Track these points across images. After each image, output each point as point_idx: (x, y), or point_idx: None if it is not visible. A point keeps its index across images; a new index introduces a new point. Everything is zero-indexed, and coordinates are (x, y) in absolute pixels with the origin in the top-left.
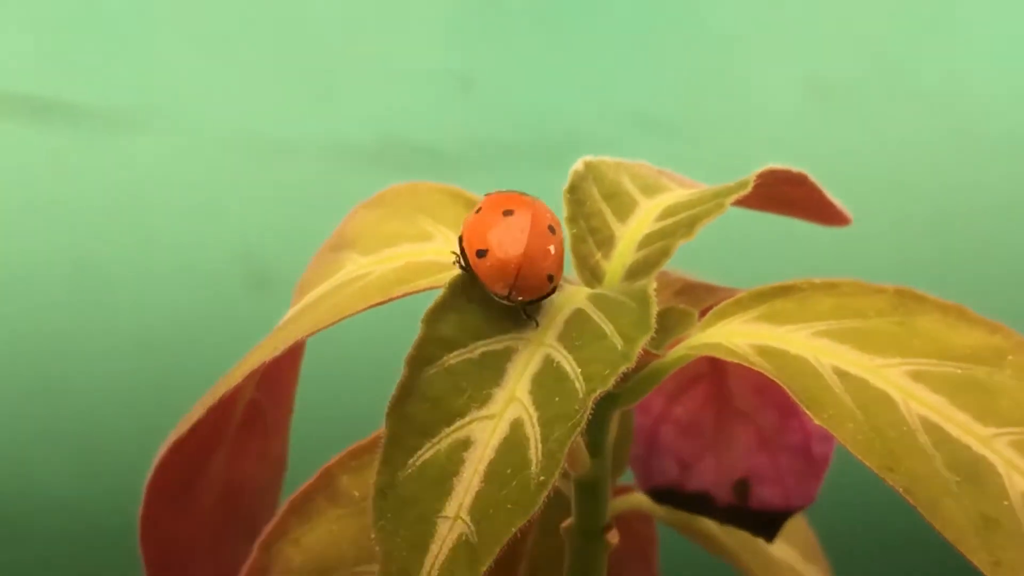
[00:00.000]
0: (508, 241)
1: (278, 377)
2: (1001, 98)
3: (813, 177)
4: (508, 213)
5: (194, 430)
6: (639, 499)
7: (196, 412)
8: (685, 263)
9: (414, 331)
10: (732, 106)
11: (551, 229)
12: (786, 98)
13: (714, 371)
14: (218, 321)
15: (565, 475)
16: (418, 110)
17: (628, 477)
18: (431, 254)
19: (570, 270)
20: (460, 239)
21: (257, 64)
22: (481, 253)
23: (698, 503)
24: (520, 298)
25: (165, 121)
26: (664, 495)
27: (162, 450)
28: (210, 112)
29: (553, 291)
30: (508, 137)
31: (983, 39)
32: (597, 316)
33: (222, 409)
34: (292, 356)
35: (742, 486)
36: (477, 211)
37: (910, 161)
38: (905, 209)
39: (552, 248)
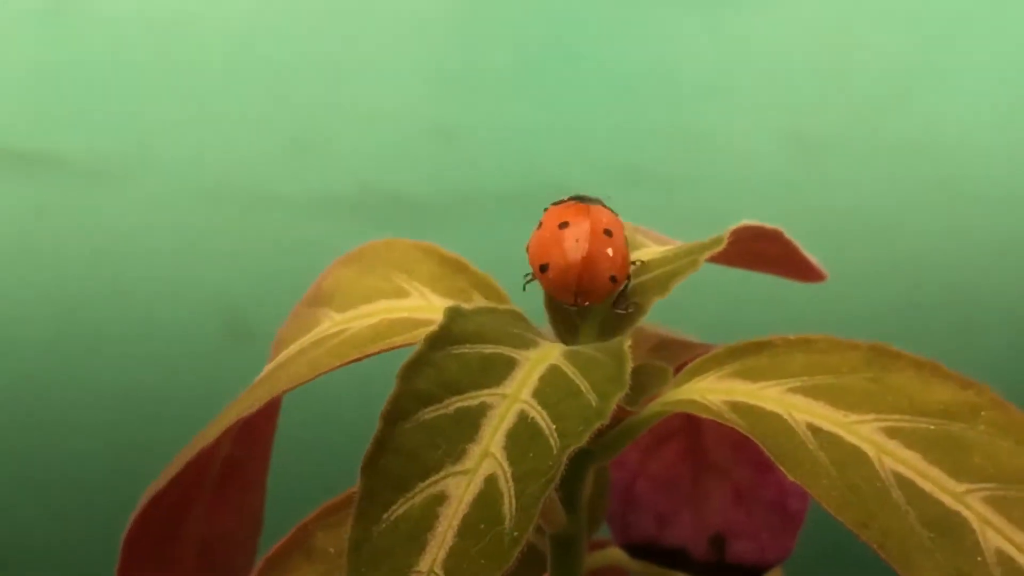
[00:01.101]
0: (567, 251)
1: (255, 433)
2: (980, 152)
3: (788, 234)
4: (564, 225)
5: (172, 485)
6: (616, 554)
7: (174, 467)
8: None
9: (391, 387)
10: (713, 159)
11: (608, 232)
12: (767, 151)
13: (690, 426)
14: (198, 372)
15: (540, 531)
16: (400, 162)
17: (605, 532)
18: (406, 311)
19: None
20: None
21: (239, 116)
22: (544, 268)
23: (675, 558)
24: (588, 303)
25: (147, 173)
26: (641, 550)
27: (140, 504)
28: (191, 164)
29: (625, 289)
30: (490, 188)
31: (962, 93)
32: (572, 372)
33: (200, 464)
34: (269, 412)
35: (718, 541)
36: (539, 227)
37: (889, 214)
38: (884, 261)
39: (610, 251)
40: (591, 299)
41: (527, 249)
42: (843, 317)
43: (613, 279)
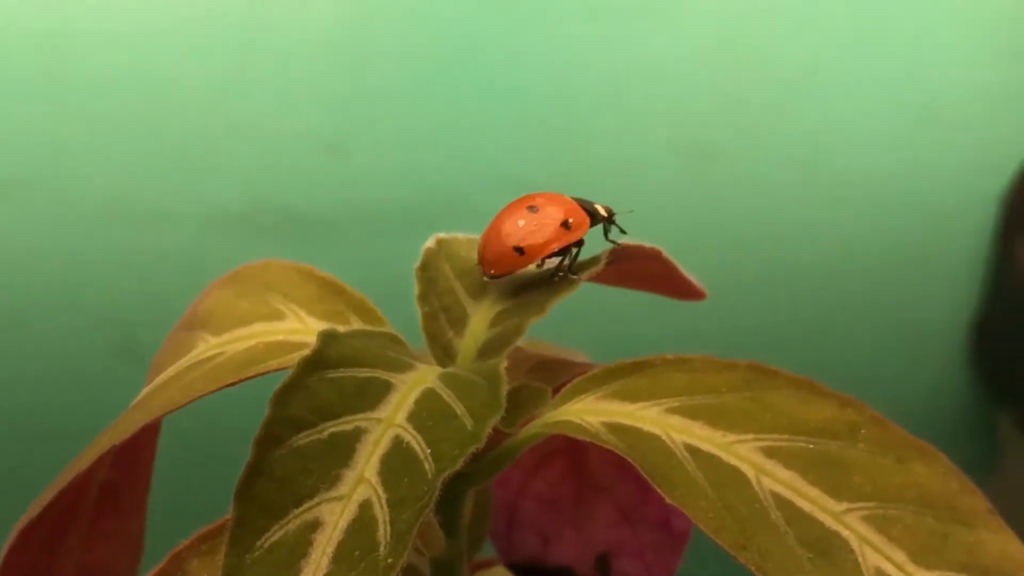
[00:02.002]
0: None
1: (134, 457)
2: (870, 162)
3: (666, 252)
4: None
5: (45, 514)
6: (502, 573)
7: (46, 496)
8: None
9: None
10: (603, 167)
11: (531, 208)
12: (658, 161)
13: (573, 446)
14: (88, 391)
15: (420, 554)
16: (290, 176)
17: (491, 551)
18: (283, 333)
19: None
20: None
21: (127, 133)
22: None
23: None
24: (492, 272)
25: (33, 191)
26: (526, 570)
27: (12, 535)
28: (79, 181)
29: (564, 262)
30: (378, 201)
31: (851, 104)
32: (447, 395)
33: (75, 490)
34: (148, 435)
35: (603, 560)
36: None
37: (778, 223)
38: (776, 271)
39: (522, 222)
40: (494, 268)
41: None
42: (742, 331)
43: (519, 250)
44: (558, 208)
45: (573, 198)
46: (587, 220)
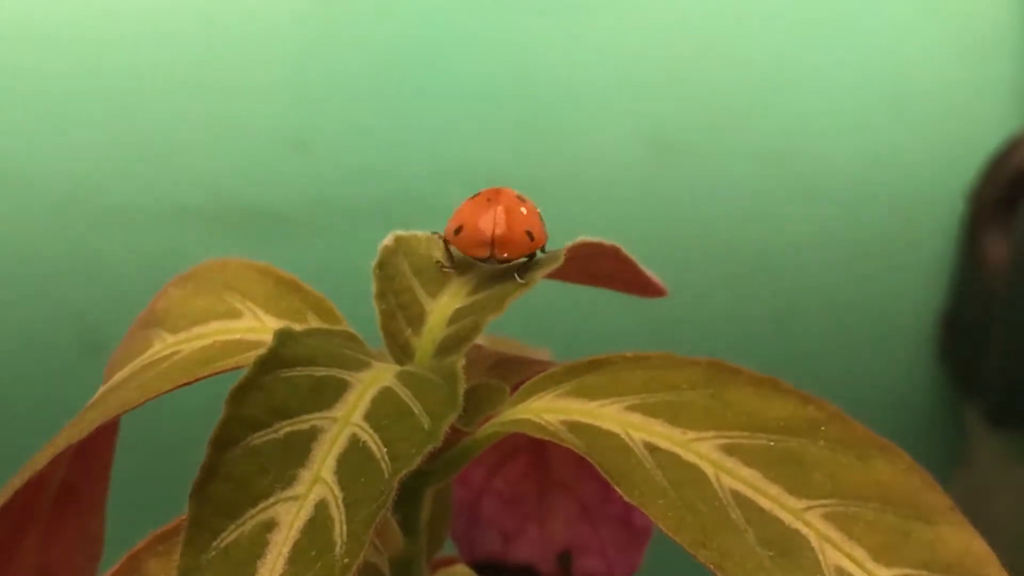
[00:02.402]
0: (481, 210)
1: (92, 456)
2: (838, 156)
3: (630, 248)
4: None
5: (3, 513)
6: (462, 571)
7: (3, 494)
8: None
9: None
10: (570, 163)
11: (521, 199)
12: (625, 155)
13: (534, 443)
14: (50, 387)
15: (379, 553)
16: (254, 172)
17: (452, 548)
18: (239, 332)
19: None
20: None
21: (91, 126)
22: (458, 231)
23: (522, 575)
24: (505, 256)
25: None
26: (488, 568)
27: None
28: (41, 175)
29: (540, 252)
30: (343, 196)
31: (819, 99)
32: (404, 394)
33: (32, 491)
34: (106, 435)
35: (565, 557)
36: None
37: (745, 217)
38: (743, 267)
39: (524, 210)
40: (508, 251)
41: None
42: (707, 327)
43: (530, 235)
44: (521, 210)
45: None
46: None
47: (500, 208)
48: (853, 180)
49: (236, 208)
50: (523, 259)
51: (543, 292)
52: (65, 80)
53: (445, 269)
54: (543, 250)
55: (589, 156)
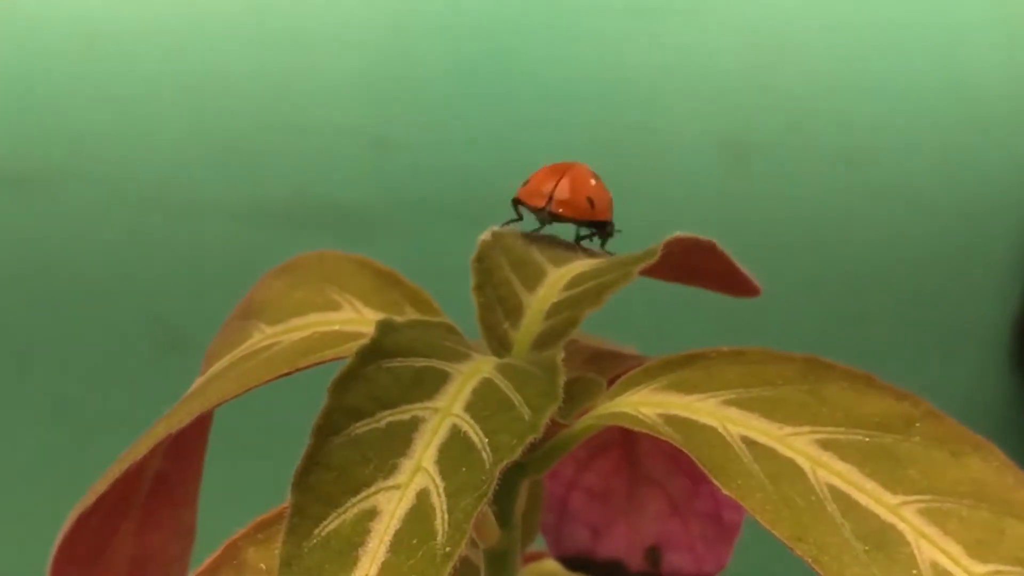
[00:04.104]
0: (549, 172)
1: (186, 447)
2: (916, 159)
3: (722, 246)
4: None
5: (100, 502)
6: (551, 566)
7: (101, 484)
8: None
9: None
10: (650, 164)
11: (593, 176)
12: (703, 157)
13: (624, 438)
14: (132, 384)
15: (474, 545)
16: (335, 170)
17: (541, 543)
18: (338, 323)
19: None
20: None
21: (172, 125)
22: (525, 182)
23: (610, 570)
24: (560, 212)
25: (77, 182)
26: (576, 562)
27: (67, 523)
28: (124, 173)
29: (606, 230)
30: (426, 197)
31: (895, 102)
32: (504, 386)
33: (128, 480)
34: (200, 425)
35: (654, 553)
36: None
37: (824, 219)
38: (821, 270)
39: (593, 181)
40: (564, 208)
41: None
42: (781, 328)
43: (591, 201)
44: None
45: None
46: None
47: (567, 171)
48: (927, 184)
49: (317, 206)
50: (585, 229)
51: (628, 290)
52: (150, 80)
53: (507, 223)
54: (607, 231)
55: (667, 158)
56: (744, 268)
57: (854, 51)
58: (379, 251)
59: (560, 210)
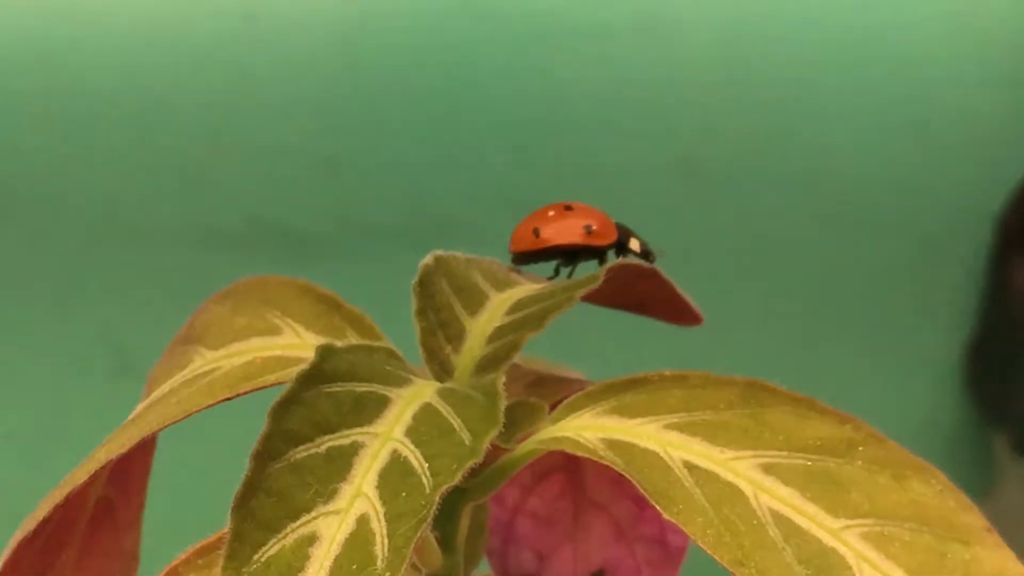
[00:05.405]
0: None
1: (129, 472)
2: (865, 181)
3: (664, 273)
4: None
5: (40, 528)
6: None
7: (41, 510)
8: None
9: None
10: (600, 187)
11: (568, 208)
12: (655, 181)
13: (569, 463)
14: (82, 408)
15: (416, 570)
16: (287, 195)
17: (486, 567)
18: (279, 348)
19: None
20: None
21: (122, 148)
22: (538, 230)
23: None
24: (512, 249)
25: (26, 206)
26: None
27: (7, 550)
28: (74, 196)
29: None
30: (376, 219)
31: (848, 122)
32: (445, 410)
33: (69, 506)
34: (143, 451)
35: None
36: None
37: (772, 241)
38: (772, 291)
39: (551, 213)
40: (512, 244)
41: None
42: (732, 351)
43: (536, 232)
44: (589, 213)
45: (618, 223)
46: (613, 235)
47: (572, 207)
48: (880, 205)
49: (268, 230)
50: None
51: (572, 314)
52: (97, 101)
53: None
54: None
55: (618, 179)
56: (687, 296)
57: (807, 72)
58: (330, 275)
59: (511, 248)
